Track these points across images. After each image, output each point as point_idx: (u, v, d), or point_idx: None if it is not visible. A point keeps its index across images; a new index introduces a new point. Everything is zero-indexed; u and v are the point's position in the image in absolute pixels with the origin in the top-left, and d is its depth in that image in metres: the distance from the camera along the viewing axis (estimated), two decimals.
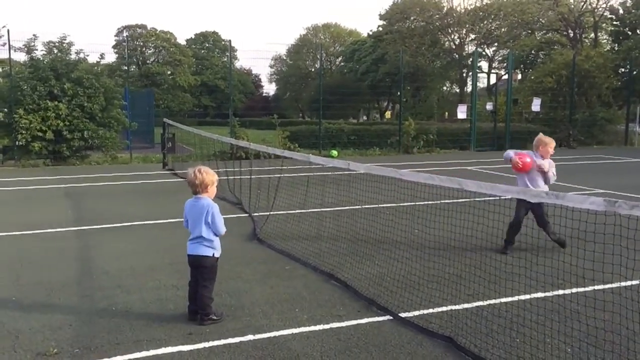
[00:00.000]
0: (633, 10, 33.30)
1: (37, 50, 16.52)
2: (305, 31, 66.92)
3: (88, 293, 5.03)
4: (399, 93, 33.49)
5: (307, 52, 62.53)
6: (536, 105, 23.34)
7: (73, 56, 16.67)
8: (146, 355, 3.74)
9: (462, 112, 22.66)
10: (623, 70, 27.77)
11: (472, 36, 46.28)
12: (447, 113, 40.13)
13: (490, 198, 5.31)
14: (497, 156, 19.16)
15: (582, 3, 39.68)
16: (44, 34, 30.30)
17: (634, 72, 26.83)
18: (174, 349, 3.83)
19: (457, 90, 50.23)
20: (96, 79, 16.14)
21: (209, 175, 4.35)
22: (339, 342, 3.94)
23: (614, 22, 35.41)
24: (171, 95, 59.10)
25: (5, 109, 15.71)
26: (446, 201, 6.90)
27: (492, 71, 47.80)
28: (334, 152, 19.04)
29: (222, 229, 4.34)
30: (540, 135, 6.63)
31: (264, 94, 71.61)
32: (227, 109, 20.69)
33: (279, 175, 9.97)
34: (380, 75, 47.55)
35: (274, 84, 69.22)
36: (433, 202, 7.18)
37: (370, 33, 54.64)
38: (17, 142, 15.38)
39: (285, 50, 64.25)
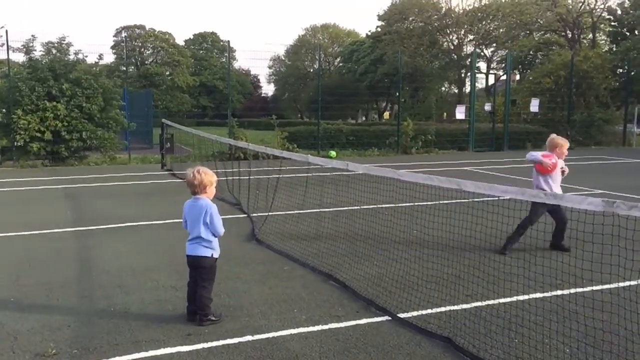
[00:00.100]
0: (631, 11, 33.40)
1: (35, 50, 16.54)
2: (303, 32, 67.13)
3: (87, 293, 5.03)
4: (397, 93, 33.54)
5: (305, 52, 62.48)
6: (534, 105, 23.39)
7: (71, 57, 16.65)
8: (145, 356, 3.74)
9: (460, 113, 22.69)
10: (621, 71, 27.86)
11: (471, 37, 46.30)
12: (445, 114, 40.20)
13: (489, 198, 5.32)
14: (495, 157, 19.20)
15: (581, 4, 39.74)
16: (42, 35, 30.40)
17: (632, 73, 26.89)
18: (173, 349, 3.83)
19: (456, 91, 50.27)
20: (95, 79, 16.12)
21: (208, 176, 4.35)
22: (337, 343, 3.94)
23: (612, 23, 35.52)
24: (170, 95, 59.10)
25: (4, 110, 15.67)
26: (445, 202, 6.92)
27: (491, 72, 47.99)
28: (333, 153, 19.07)
29: (221, 230, 4.34)
30: (554, 136, 6.53)
31: (262, 95, 71.70)
32: (226, 109, 20.71)
33: (277, 176, 9.97)
34: (379, 75, 47.57)
35: (272, 84, 69.48)
36: (432, 203, 7.19)
37: (369, 34, 54.67)
38: (15, 143, 15.35)
39: (284, 50, 64.50)
